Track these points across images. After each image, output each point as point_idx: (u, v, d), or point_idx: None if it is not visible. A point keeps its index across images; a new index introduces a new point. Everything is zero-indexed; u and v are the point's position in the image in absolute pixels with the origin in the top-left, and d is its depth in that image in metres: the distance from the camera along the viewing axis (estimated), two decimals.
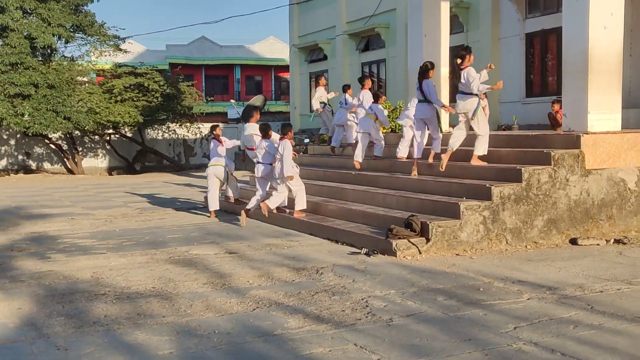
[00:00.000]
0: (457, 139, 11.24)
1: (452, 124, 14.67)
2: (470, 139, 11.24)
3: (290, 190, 12.20)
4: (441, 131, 12.19)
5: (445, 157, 11.22)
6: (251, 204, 12.62)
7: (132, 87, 30.42)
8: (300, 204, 12.11)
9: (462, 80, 10.99)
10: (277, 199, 12.30)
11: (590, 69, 10.63)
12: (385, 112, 14.39)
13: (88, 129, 29.21)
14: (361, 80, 15.69)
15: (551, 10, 18.62)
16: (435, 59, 14.60)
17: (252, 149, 13.63)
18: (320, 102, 18.14)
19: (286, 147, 11.87)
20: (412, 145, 12.76)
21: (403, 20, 22.92)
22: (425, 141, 12.17)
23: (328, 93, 18.52)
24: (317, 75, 30.40)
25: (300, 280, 7.90)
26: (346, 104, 15.97)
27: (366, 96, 14.93)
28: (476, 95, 10.94)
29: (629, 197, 10.43)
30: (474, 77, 10.84)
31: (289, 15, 31.94)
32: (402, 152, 13.32)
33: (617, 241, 9.90)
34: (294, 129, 27.41)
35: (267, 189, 12.74)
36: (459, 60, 11.03)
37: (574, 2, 10.87)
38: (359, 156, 13.78)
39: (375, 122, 14.04)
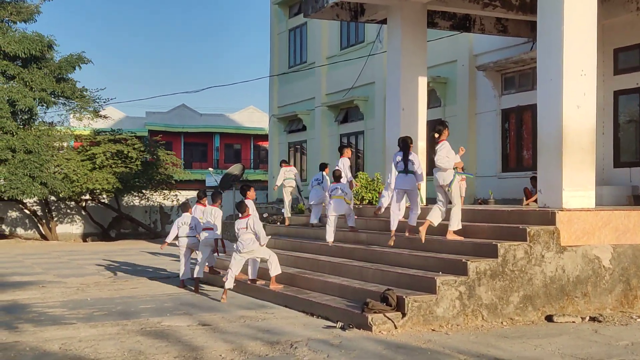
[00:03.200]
0: (437, 214, 11.21)
1: (430, 197, 14.77)
2: (446, 213, 11.27)
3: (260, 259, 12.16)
4: (420, 204, 12.25)
5: (423, 229, 11.21)
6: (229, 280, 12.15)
7: (110, 153, 30.40)
8: (275, 269, 11.96)
9: (439, 154, 11.08)
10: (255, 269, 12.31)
11: (564, 146, 10.81)
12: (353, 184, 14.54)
13: (64, 195, 29.01)
14: (340, 150, 15.81)
15: (526, 87, 19.04)
16: (413, 132, 14.84)
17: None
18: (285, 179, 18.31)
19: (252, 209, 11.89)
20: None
21: (382, 94, 23.28)
22: (402, 213, 12.19)
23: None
24: (295, 145, 30.67)
25: (274, 355, 7.76)
26: (322, 181, 15.88)
27: (345, 164, 15.06)
28: (451, 168, 11.07)
29: (604, 274, 10.46)
30: (449, 151, 11.02)
31: (269, 86, 32.37)
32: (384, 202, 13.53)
33: (592, 319, 9.87)
34: (271, 198, 27.43)
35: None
36: (436, 135, 11.16)
37: (548, 81, 11.13)
38: (330, 236, 13.61)
39: (345, 201, 13.91)
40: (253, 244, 11.71)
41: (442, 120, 11.96)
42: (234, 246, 12.12)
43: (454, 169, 11.16)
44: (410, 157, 12.01)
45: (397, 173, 12.25)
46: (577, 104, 10.89)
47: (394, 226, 12.01)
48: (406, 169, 11.97)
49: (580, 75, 10.92)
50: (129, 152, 30.22)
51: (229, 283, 11.76)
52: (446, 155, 11.02)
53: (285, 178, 18.31)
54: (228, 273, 11.85)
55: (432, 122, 18.09)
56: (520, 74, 19.35)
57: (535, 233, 10.08)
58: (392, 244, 11.77)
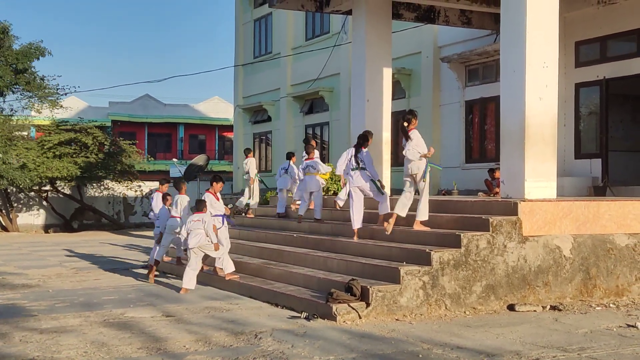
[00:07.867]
0: (404, 204, 11.25)
1: (396, 188, 14.88)
2: (413, 204, 11.33)
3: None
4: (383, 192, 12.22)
5: (391, 221, 11.24)
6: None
7: (71, 143, 29.99)
8: (229, 267, 12.01)
9: (411, 143, 11.10)
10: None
11: (527, 137, 10.94)
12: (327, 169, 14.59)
13: (23, 186, 28.56)
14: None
15: (490, 79, 19.21)
16: (377, 123, 14.91)
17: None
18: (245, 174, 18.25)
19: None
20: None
21: (346, 85, 23.31)
22: (362, 209, 12.15)
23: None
24: (260, 136, 30.56)
25: (239, 346, 7.74)
26: (289, 170, 15.95)
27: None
28: (423, 158, 11.10)
29: (564, 264, 10.62)
30: (419, 139, 11.07)
31: (234, 76, 32.20)
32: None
33: (553, 308, 10.03)
34: (236, 189, 27.29)
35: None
36: (405, 123, 11.18)
37: (511, 73, 11.25)
38: (303, 211, 13.92)
39: (318, 177, 14.05)
40: (206, 238, 11.70)
41: (411, 110, 11.98)
42: (188, 243, 11.84)
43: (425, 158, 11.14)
44: (363, 154, 12.05)
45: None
46: (540, 96, 11.03)
47: (357, 225, 12.01)
48: (358, 164, 12.00)
49: (543, 67, 11.06)
50: (87, 140, 29.76)
51: (192, 284, 11.69)
52: (416, 144, 11.05)
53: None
54: (188, 273, 11.73)
55: (397, 114, 18.26)
56: (484, 65, 19.51)
57: (498, 223, 10.19)
58: (355, 239, 11.82)
